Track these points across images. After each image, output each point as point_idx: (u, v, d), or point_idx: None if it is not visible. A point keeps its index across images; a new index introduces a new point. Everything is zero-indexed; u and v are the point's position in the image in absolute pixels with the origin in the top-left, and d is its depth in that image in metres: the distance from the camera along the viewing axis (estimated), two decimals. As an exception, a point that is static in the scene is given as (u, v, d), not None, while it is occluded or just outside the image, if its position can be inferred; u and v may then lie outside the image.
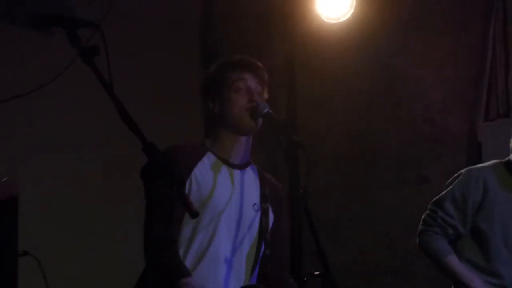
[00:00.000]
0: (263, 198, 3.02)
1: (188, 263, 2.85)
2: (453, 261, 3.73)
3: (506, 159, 3.82)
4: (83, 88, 4.83)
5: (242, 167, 3.01)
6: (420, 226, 3.85)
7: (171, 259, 2.79)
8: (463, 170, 3.85)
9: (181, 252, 2.86)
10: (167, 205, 2.76)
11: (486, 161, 3.98)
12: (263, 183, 3.05)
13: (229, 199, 2.92)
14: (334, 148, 6.10)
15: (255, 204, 2.98)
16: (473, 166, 3.89)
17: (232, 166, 2.98)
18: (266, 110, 2.90)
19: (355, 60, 5.92)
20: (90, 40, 2.14)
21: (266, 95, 3.02)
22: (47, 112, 4.96)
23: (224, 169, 2.96)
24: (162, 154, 2.18)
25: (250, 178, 3.03)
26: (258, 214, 2.98)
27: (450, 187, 3.81)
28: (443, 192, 3.83)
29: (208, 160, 2.95)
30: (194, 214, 2.18)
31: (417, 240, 3.85)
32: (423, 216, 3.86)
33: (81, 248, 5.04)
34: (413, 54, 5.83)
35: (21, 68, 4.85)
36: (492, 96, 5.50)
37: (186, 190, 2.85)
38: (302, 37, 6.13)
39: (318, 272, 2.67)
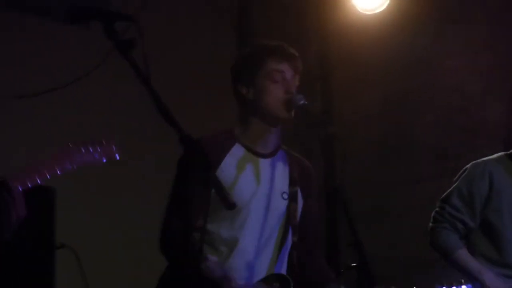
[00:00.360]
0: (292, 182, 2.99)
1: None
2: (463, 255, 3.69)
3: (511, 151, 3.79)
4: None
5: (271, 154, 2.98)
6: (429, 224, 3.82)
7: (189, 245, 2.71)
8: (468, 165, 3.82)
9: (206, 248, 2.83)
10: (189, 198, 2.76)
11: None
12: (291, 165, 3.02)
13: (251, 197, 2.87)
14: (369, 139, 6.07)
15: (284, 192, 2.96)
16: (479, 160, 3.84)
17: (261, 156, 2.95)
18: (302, 102, 2.88)
19: (390, 51, 5.88)
20: (125, 33, 2.15)
21: (297, 83, 2.99)
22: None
23: (250, 166, 2.92)
24: (199, 146, 2.14)
25: (280, 165, 2.99)
26: (287, 202, 2.95)
27: (457, 182, 3.80)
28: (450, 188, 3.81)
29: (235, 153, 2.92)
30: (232, 205, 2.16)
31: (428, 238, 3.81)
32: (432, 214, 3.83)
33: (118, 241, 5.07)
34: (449, 44, 5.77)
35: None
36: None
37: None
38: (337, 28, 6.10)
39: (354, 264, 2.66)
